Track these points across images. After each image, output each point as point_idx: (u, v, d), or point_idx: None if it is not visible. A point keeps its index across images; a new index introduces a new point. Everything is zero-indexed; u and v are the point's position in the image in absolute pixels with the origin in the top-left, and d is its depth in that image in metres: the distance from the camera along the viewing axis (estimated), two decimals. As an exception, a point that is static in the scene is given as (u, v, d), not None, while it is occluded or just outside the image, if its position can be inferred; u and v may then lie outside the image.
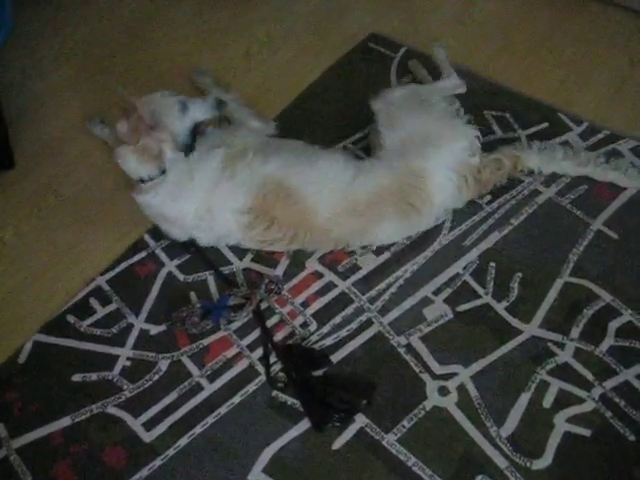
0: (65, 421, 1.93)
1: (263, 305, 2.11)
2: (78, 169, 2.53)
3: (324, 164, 2.17)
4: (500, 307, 2.08)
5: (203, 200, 2.11)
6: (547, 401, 1.90)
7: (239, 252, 2.24)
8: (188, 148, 2.08)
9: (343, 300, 2.13)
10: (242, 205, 2.11)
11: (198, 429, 1.90)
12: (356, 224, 2.14)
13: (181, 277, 2.20)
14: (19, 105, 2.73)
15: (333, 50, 2.87)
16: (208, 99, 2.12)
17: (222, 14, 3.09)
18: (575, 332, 2.01)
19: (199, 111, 2.10)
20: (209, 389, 1.97)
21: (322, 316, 2.09)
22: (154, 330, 2.09)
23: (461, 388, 1.93)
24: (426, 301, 2.11)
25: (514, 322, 2.05)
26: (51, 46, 2.99)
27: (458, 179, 2.18)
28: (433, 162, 2.14)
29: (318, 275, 2.18)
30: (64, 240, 2.33)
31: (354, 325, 2.07)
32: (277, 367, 1.99)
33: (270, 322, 2.09)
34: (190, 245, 2.23)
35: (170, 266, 2.23)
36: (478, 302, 2.10)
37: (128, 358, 2.04)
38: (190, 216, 2.13)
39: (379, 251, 2.22)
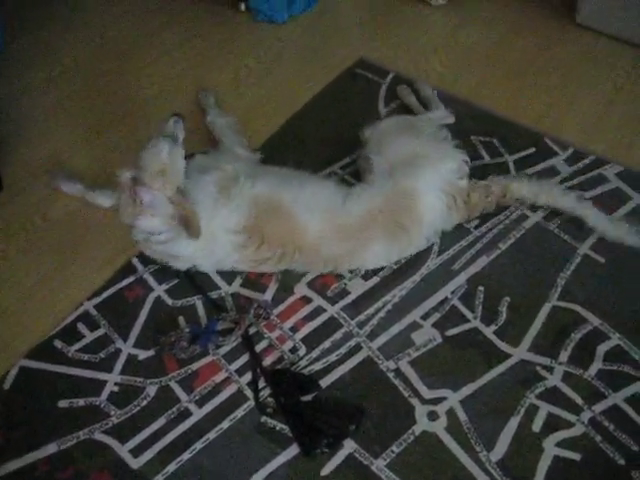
0: (51, 448, 1.90)
1: (252, 330, 2.10)
2: (67, 193, 2.53)
3: (315, 187, 2.19)
4: (489, 331, 2.08)
5: (207, 227, 2.10)
6: (536, 425, 1.89)
7: (228, 277, 2.23)
8: None
9: (332, 325, 2.12)
10: (235, 225, 2.12)
11: (186, 455, 1.88)
12: (345, 246, 2.14)
13: (169, 302, 2.19)
14: (8, 128, 2.73)
15: (321, 76, 2.89)
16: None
17: (212, 39, 3.11)
18: (564, 356, 2.02)
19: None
20: (198, 414, 1.95)
21: (311, 341, 2.09)
22: (142, 355, 2.07)
23: (450, 412, 1.92)
24: (415, 326, 2.11)
25: (503, 346, 2.05)
26: (41, 69, 3.00)
27: (447, 199, 2.20)
28: (422, 182, 2.17)
29: (307, 300, 2.18)
30: (52, 264, 2.31)
31: (343, 350, 2.06)
32: (266, 392, 1.98)
33: (259, 347, 2.08)
34: (180, 270, 2.22)
35: (159, 290, 2.22)
36: (467, 326, 2.10)
37: (116, 383, 2.02)
38: (200, 248, 2.14)
39: (368, 276, 2.22)
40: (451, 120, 2.56)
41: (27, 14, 3.25)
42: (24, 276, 2.29)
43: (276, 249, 2.14)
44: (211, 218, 2.11)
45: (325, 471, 1.83)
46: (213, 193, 2.14)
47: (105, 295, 2.21)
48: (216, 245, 2.15)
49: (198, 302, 2.18)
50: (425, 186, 2.17)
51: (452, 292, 2.17)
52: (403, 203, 2.15)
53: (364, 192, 2.18)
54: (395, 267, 2.23)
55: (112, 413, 1.96)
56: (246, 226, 2.12)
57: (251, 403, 1.96)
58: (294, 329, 2.11)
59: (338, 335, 2.09)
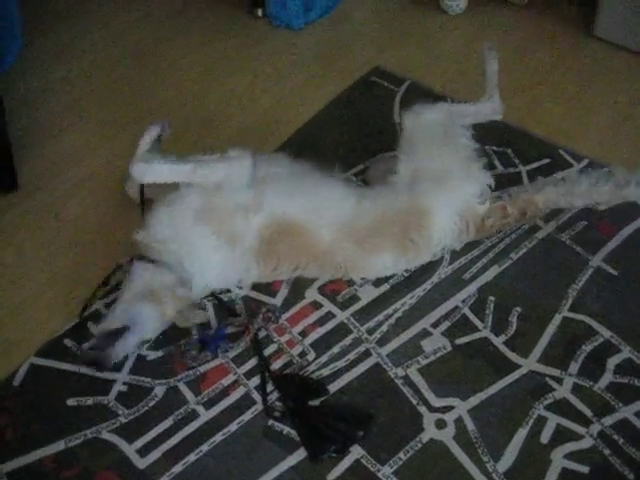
0: (58, 445, 1.90)
1: (261, 334, 2.10)
2: (81, 192, 2.55)
3: (326, 191, 2.17)
4: (498, 341, 2.07)
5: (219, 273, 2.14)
6: (545, 436, 1.88)
7: (239, 280, 2.24)
8: None
9: (342, 330, 2.12)
10: (248, 262, 2.13)
11: (192, 457, 1.87)
12: (356, 250, 2.13)
13: (180, 303, 2.19)
14: (24, 127, 2.75)
15: (337, 83, 2.90)
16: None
17: (229, 44, 3.13)
18: (574, 367, 2.01)
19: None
20: (205, 416, 1.95)
21: (320, 346, 2.08)
22: (151, 355, 2.07)
23: (458, 421, 1.91)
24: (424, 333, 2.10)
25: (512, 356, 2.04)
26: (59, 69, 3.03)
27: (461, 223, 2.18)
28: (440, 202, 2.14)
29: (317, 305, 2.18)
30: (64, 263, 2.33)
31: (352, 356, 2.06)
32: (274, 396, 1.98)
33: (268, 351, 2.08)
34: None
35: (169, 292, 2.22)
36: (476, 335, 2.09)
37: (124, 383, 2.02)
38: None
39: (378, 282, 2.22)
40: (499, 117, 2.40)
41: (47, 14, 3.29)
42: (37, 274, 2.31)
43: (290, 264, 2.14)
44: (221, 269, 2.12)
45: (331, 476, 1.83)
46: (214, 243, 2.09)
47: (116, 294, 2.21)
48: (227, 282, 2.18)
49: (208, 304, 2.18)
50: (441, 207, 2.14)
51: (463, 301, 2.17)
52: (416, 220, 2.13)
53: (381, 198, 2.16)
54: (406, 275, 2.22)
55: (120, 413, 1.96)
56: (259, 253, 2.11)
57: (259, 406, 1.96)
58: (303, 334, 2.11)
59: (347, 341, 2.09)
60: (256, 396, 1.98)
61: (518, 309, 2.14)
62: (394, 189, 2.17)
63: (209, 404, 1.97)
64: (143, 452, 1.89)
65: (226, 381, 2.02)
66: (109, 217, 2.45)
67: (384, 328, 2.11)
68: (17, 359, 2.08)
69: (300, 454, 1.87)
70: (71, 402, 1.99)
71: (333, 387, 1.99)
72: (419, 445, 1.87)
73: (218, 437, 1.91)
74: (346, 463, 1.85)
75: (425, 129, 2.23)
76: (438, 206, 2.14)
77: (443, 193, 2.15)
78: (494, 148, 2.58)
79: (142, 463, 1.87)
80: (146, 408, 1.97)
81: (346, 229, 2.11)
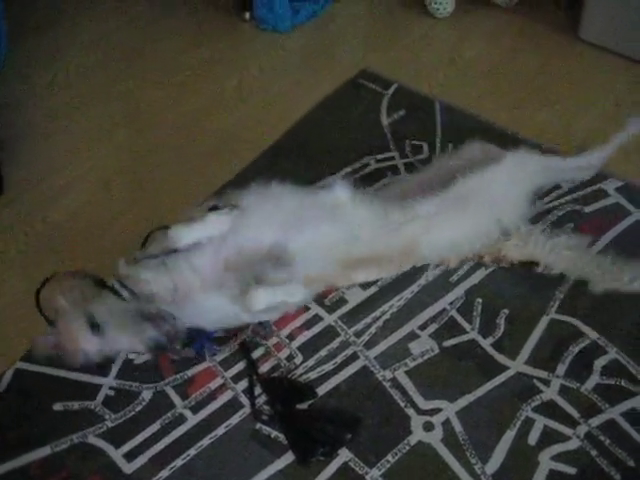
0: (44, 451, 1.89)
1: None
2: (67, 197, 2.53)
3: (337, 239, 2.04)
4: (486, 343, 2.08)
5: None
6: (532, 438, 1.88)
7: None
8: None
9: (329, 333, 2.11)
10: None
11: (180, 461, 1.87)
12: (344, 278, 2.15)
13: (168, 307, 2.18)
14: (11, 131, 2.74)
15: (324, 86, 2.90)
16: None
17: (216, 47, 3.13)
18: (561, 369, 2.01)
19: None
20: (192, 420, 1.94)
21: (308, 349, 2.08)
22: (138, 359, 2.06)
23: (446, 424, 1.91)
24: (412, 336, 2.10)
25: (500, 358, 2.04)
26: (45, 73, 3.01)
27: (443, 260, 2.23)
28: (434, 250, 2.16)
29: (304, 308, 2.17)
30: (51, 267, 2.30)
31: (339, 359, 2.05)
32: (262, 399, 1.97)
33: (256, 354, 2.07)
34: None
35: (157, 295, 2.21)
36: (464, 338, 2.09)
37: (111, 387, 2.01)
38: None
39: (366, 285, 2.21)
40: (586, 177, 2.41)
41: (32, 18, 3.27)
42: (23, 278, 2.29)
43: None
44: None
45: (319, 479, 1.83)
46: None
47: (103, 299, 2.21)
48: None
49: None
50: (433, 253, 2.16)
51: (450, 303, 2.17)
52: (413, 254, 2.15)
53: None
54: (393, 277, 2.22)
55: (107, 417, 1.95)
56: None
57: (246, 410, 1.96)
58: (291, 337, 2.11)
59: (335, 344, 2.09)
60: (244, 400, 1.98)
61: (506, 311, 2.14)
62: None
63: (196, 408, 1.97)
64: (130, 457, 1.88)
65: (213, 385, 2.01)
66: (95, 221, 2.44)
67: (372, 331, 2.11)
68: (2, 364, 2.06)
69: (288, 457, 1.86)
70: (57, 407, 1.98)
71: (321, 390, 1.99)
72: (407, 448, 1.87)
73: (205, 441, 1.90)
74: (334, 466, 1.84)
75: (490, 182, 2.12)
76: (430, 248, 2.14)
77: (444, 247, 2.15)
78: (481, 150, 2.59)
79: (129, 468, 1.86)
80: (133, 412, 1.96)
81: (346, 262, 2.08)
